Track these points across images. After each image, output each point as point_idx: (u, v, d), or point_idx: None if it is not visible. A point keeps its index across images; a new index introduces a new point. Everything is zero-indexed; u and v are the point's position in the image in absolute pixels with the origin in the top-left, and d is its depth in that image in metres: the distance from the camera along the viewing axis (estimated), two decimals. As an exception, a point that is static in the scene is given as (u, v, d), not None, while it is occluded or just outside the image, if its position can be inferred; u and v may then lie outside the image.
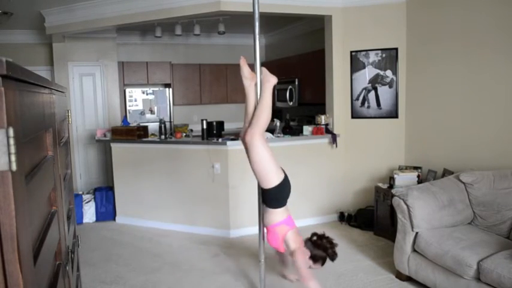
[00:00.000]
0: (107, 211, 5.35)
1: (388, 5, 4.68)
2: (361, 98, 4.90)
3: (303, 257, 2.63)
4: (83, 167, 6.48)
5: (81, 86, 6.40)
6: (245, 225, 4.57)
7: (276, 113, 6.96)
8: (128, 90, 7.06)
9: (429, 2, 4.40)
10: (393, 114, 4.79)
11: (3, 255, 0.67)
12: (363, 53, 4.84)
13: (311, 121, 5.58)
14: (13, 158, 0.66)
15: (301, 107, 6.56)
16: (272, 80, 2.79)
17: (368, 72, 4.84)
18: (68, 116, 2.22)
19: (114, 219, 5.32)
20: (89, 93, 6.45)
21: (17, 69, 0.74)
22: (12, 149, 0.65)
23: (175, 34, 6.14)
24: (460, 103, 4.10)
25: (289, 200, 4.87)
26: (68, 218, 1.81)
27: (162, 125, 5.11)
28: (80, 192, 5.69)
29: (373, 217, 4.51)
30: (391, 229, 4.10)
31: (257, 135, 2.65)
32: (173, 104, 7.35)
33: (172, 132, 5.94)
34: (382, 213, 4.38)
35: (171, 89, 7.34)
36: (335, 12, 4.86)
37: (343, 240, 4.35)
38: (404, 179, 4.22)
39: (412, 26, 4.60)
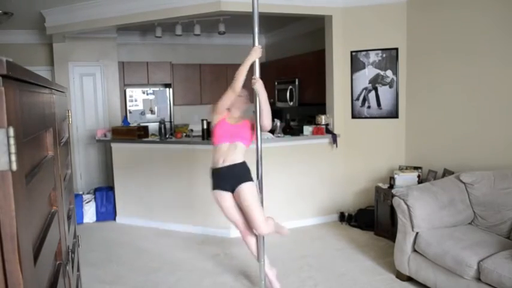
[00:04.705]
0: (107, 211, 5.35)
1: (388, 5, 4.68)
2: (361, 98, 4.89)
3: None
4: (83, 167, 6.48)
5: (82, 86, 6.40)
6: (245, 225, 4.56)
7: (276, 113, 6.96)
8: (128, 90, 7.07)
9: (429, 2, 4.39)
10: (393, 114, 4.78)
11: (3, 255, 0.67)
12: (363, 53, 4.83)
13: (311, 121, 5.57)
14: (13, 157, 0.66)
15: (301, 107, 6.55)
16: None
17: (368, 72, 4.84)
18: (68, 116, 2.22)
19: (114, 219, 5.32)
20: (89, 93, 6.45)
21: (17, 69, 0.74)
22: (13, 149, 0.65)
23: (175, 34, 6.14)
24: (460, 103, 4.10)
25: (290, 200, 4.88)
26: (68, 218, 1.81)
27: (162, 125, 5.11)
28: (80, 192, 5.69)
29: (374, 217, 4.51)
30: (391, 229, 4.09)
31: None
32: (173, 104, 7.35)
33: (172, 132, 5.93)
34: (382, 213, 4.37)
35: (171, 89, 7.34)
36: (335, 12, 4.86)
37: (344, 240, 4.35)
38: (404, 179, 4.22)
39: (413, 26, 4.59)
